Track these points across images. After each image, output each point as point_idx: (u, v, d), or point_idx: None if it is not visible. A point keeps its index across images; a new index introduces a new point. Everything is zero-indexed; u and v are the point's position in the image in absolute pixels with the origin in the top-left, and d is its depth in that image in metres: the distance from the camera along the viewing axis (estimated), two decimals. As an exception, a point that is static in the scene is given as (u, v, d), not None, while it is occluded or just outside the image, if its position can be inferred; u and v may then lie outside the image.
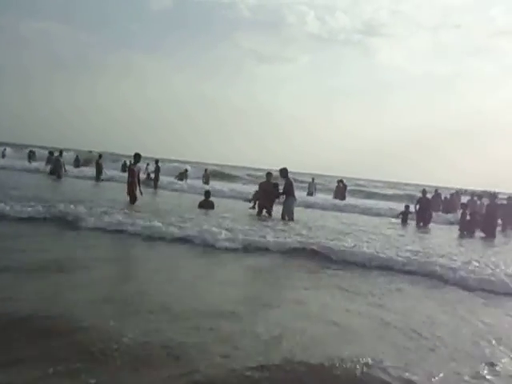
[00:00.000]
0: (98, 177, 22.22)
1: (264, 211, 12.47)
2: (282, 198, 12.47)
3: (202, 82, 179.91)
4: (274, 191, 12.60)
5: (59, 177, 20.83)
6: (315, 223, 11.86)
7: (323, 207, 18.51)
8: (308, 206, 17.82)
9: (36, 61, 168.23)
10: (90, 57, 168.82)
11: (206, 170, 28.21)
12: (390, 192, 36.90)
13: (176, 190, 21.05)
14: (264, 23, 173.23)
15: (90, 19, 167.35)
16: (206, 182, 25.41)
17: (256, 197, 12.88)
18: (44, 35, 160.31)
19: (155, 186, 21.43)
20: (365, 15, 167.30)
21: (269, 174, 12.89)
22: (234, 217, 10.99)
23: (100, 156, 24.13)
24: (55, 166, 21.48)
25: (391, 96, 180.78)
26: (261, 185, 13.02)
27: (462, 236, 13.69)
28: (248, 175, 42.89)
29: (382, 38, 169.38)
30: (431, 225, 15.42)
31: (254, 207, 12.77)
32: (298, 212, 12.86)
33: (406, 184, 56.01)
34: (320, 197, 23.63)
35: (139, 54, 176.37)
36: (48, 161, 24.73)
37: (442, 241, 11.72)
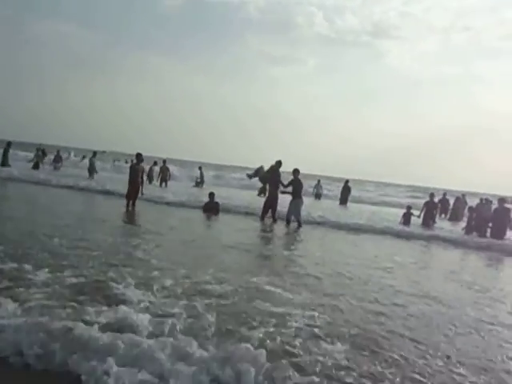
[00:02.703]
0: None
1: (269, 215, 12.51)
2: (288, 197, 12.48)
3: (219, 84, 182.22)
4: (280, 179, 12.66)
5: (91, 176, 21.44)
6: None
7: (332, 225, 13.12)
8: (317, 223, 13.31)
9: (52, 61, 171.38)
10: (107, 58, 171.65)
11: (200, 168, 26.15)
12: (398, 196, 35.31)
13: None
14: (273, 24, 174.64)
15: (106, 21, 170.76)
16: (201, 183, 25.09)
17: (261, 175, 12.96)
18: (61, 36, 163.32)
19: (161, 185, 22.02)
20: (374, 16, 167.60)
21: (278, 163, 12.88)
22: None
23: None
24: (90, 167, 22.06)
25: (399, 98, 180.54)
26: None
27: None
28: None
29: (391, 40, 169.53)
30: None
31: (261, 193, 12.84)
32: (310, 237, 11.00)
33: (410, 186, 55.09)
34: (326, 203, 22.78)
35: (155, 56, 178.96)
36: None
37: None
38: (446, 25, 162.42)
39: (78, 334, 3.15)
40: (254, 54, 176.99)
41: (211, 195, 13.46)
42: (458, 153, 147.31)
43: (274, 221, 12.34)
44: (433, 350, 3.82)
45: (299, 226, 11.93)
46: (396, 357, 3.61)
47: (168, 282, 4.98)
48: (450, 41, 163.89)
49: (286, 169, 13.04)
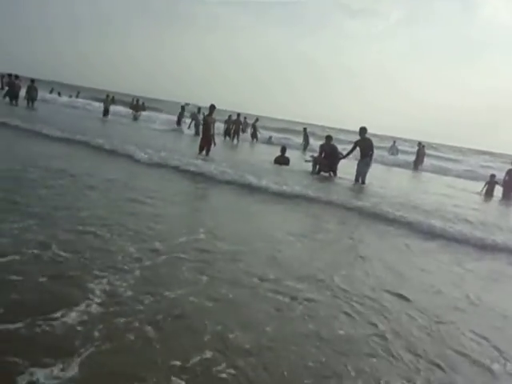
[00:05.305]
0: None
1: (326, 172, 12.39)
2: (355, 159, 12.11)
3: (297, 38, 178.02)
4: (337, 153, 12.46)
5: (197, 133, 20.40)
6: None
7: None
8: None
9: (122, 11, 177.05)
10: (178, 8, 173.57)
11: (256, 120, 25.90)
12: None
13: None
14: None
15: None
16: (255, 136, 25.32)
17: (316, 160, 12.59)
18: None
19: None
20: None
21: (328, 137, 12.77)
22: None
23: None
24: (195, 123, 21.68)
25: (497, 55, 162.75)
26: (322, 146, 12.79)
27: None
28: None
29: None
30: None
31: (315, 171, 12.46)
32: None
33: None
34: (396, 171, 20.98)
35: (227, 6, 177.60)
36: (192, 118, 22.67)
37: None
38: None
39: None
40: (331, 5, 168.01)
41: (283, 149, 13.82)
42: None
43: (335, 175, 12.31)
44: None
45: (362, 183, 11.75)
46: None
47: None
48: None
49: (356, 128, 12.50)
